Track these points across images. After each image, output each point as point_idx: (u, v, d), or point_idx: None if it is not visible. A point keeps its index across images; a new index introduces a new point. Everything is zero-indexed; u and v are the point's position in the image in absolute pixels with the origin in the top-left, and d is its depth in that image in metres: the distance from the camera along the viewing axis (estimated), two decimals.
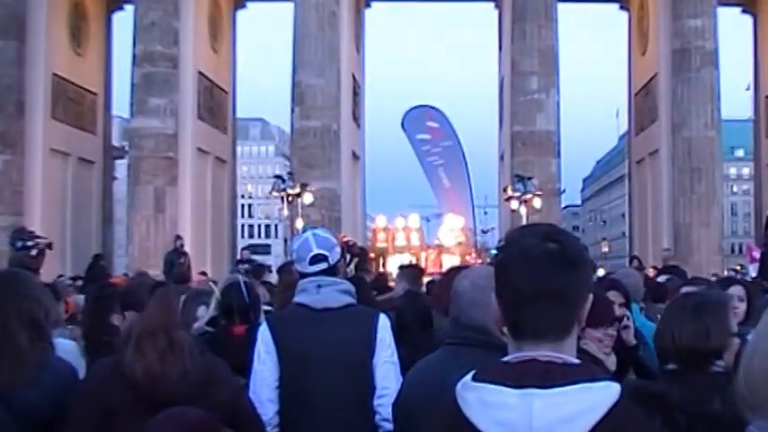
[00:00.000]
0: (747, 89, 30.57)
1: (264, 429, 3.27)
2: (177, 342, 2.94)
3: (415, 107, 35.14)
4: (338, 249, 3.76)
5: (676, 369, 2.64)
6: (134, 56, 21.34)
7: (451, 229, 25.38)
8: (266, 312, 4.37)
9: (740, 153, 76.27)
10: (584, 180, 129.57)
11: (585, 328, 2.86)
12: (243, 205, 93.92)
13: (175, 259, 17.24)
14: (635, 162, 26.97)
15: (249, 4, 27.67)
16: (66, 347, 3.38)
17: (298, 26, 21.56)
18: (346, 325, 3.52)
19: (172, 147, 21.35)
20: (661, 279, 7.20)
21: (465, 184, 34.67)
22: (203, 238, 23.18)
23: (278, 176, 20.71)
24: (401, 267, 7.83)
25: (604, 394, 1.51)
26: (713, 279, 8.09)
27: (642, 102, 25.46)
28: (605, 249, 73.44)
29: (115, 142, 30.56)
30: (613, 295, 4.25)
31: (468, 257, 23.96)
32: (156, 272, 16.12)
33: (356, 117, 25.73)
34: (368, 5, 27.99)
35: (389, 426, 3.10)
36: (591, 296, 1.64)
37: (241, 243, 33.54)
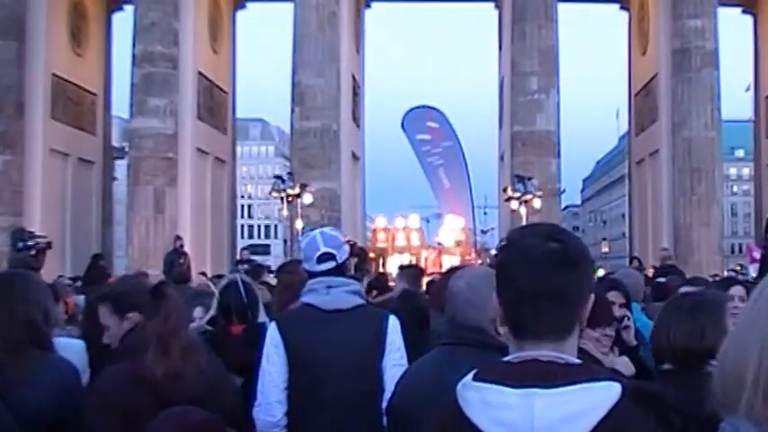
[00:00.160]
0: (747, 90, 30.58)
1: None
2: (193, 342, 2.98)
3: (415, 107, 35.14)
4: (346, 248, 3.74)
5: (672, 369, 2.63)
6: (134, 56, 21.34)
7: (451, 230, 25.41)
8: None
9: (740, 153, 76.31)
10: (585, 180, 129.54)
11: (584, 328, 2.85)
12: (242, 206, 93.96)
13: (175, 260, 17.23)
14: (635, 162, 26.97)
15: (249, 5, 27.68)
16: (75, 347, 3.39)
17: (297, 26, 21.56)
18: (356, 327, 3.49)
19: (171, 147, 21.34)
20: (663, 280, 7.20)
21: (465, 185, 34.66)
22: (203, 239, 23.18)
23: (278, 177, 20.72)
24: (401, 267, 7.82)
25: (605, 394, 1.50)
26: (710, 280, 8.10)
27: (642, 102, 25.46)
28: (605, 250, 73.37)
29: (115, 143, 30.57)
30: (614, 296, 4.24)
31: (467, 258, 23.97)
32: (156, 272, 16.12)
33: (356, 117, 25.73)
34: (368, 6, 28.00)
35: None
36: (593, 296, 1.64)
37: (241, 243, 33.53)
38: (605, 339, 3.52)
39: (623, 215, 51.26)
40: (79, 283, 13.58)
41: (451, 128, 34.45)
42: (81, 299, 5.11)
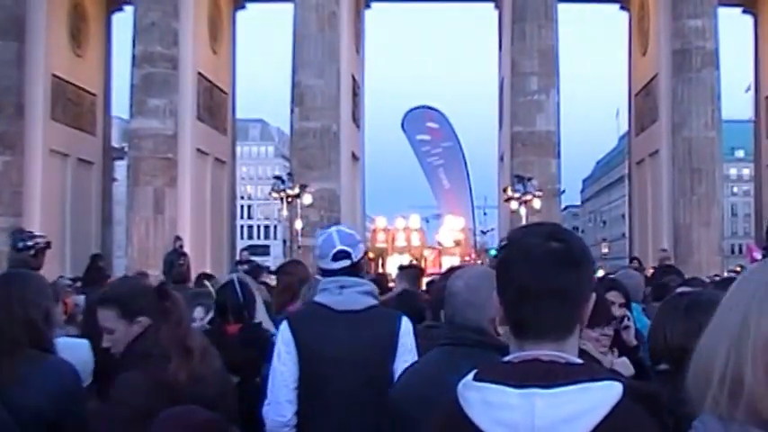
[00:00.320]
0: (748, 90, 30.57)
1: None
2: (207, 344, 3.00)
3: (415, 108, 35.14)
4: (362, 247, 3.70)
5: (668, 369, 2.62)
6: (133, 57, 21.33)
7: (451, 230, 25.41)
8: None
9: (740, 154, 76.29)
10: (584, 181, 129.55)
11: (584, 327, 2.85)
12: (242, 206, 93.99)
13: (175, 260, 17.19)
14: (635, 163, 26.96)
15: (249, 5, 27.67)
16: (82, 347, 3.39)
17: (297, 27, 21.55)
18: (368, 327, 3.46)
19: (171, 148, 21.33)
20: (680, 289, 7.18)
21: (465, 185, 34.66)
22: (203, 239, 23.17)
23: (277, 177, 20.73)
24: (400, 268, 7.81)
25: (606, 394, 1.50)
26: (708, 280, 8.07)
27: (642, 102, 25.44)
28: (605, 250, 73.39)
29: (114, 143, 30.56)
30: (613, 295, 4.23)
31: (467, 258, 23.96)
32: (156, 272, 16.10)
33: (356, 118, 25.72)
34: (367, 6, 27.99)
35: None
36: (594, 296, 1.64)
37: (240, 244, 33.53)
38: (604, 339, 3.52)
39: (623, 215, 51.28)
40: (79, 284, 13.57)
41: (451, 128, 34.46)
42: (81, 299, 5.09)
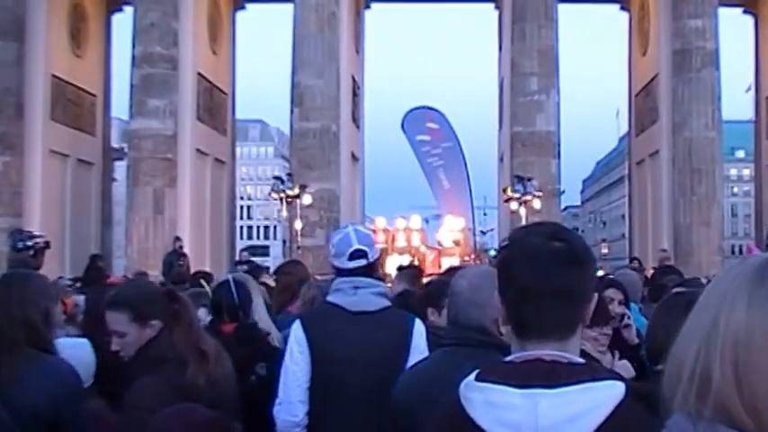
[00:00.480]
0: (748, 90, 30.55)
1: None
2: (219, 346, 3.01)
3: (415, 108, 35.13)
4: (377, 248, 3.69)
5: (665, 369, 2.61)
6: (133, 57, 21.33)
7: (451, 230, 25.38)
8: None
9: (741, 154, 76.29)
10: (584, 181, 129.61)
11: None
12: (242, 206, 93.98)
13: (174, 260, 17.20)
14: (635, 163, 26.94)
15: (248, 6, 27.65)
16: (83, 346, 3.37)
17: (297, 27, 21.54)
18: (381, 329, 3.44)
19: (171, 148, 21.32)
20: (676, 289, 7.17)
21: (464, 186, 34.64)
22: (202, 240, 23.16)
23: (277, 178, 20.71)
24: (399, 268, 7.79)
25: (609, 394, 1.50)
26: (705, 281, 8.06)
27: (642, 102, 25.43)
28: (605, 251, 73.35)
29: (114, 143, 30.54)
30: (612, 293, 4.23)
31: (466, 258, 23.95)
32: (155, 273, 16.10)
33: (356, 118, 25.72)
34: (367, 6, 27.97)
35: None
36: (596, 295, 1.65)
37: (240, 244, 33.53)
38: (603, 338, 3.51)
39: (623, 216, 51.28)
40: (78, 284, 13.57)
41: (451, 128, 34.44)
42: (81, 299, 5.08)
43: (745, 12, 26.89)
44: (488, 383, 1.53)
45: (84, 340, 3.52)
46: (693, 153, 21.23)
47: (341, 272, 3.56)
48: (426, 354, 3.39)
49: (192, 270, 17.33)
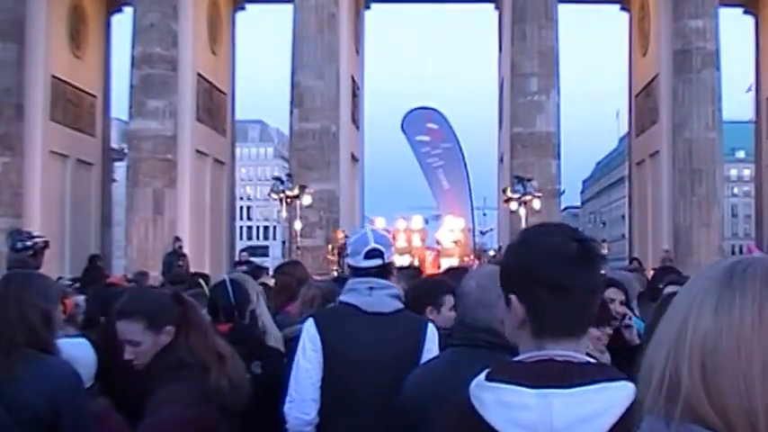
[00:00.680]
0: (748, 91, 30.55)
1: None
2: (230, 347, 3.03)
3: (415, 109, 35.07)
4: (393, 250, 3.70)
5: None
6: (133, 58, 21.33)
7: (450, 231, 25.31)
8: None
9: (741, 154, 76.25)
10: (584, 181, 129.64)
11: None
12: (241, 207, 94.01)
13: (174, 261, 17.21)
14: (635, 163, 26.93)
15: (248, 6, 27.65)
16: (84, 345, 3.35)
17: (297, 28, 21.54)
18: (395, 331, 3.43)
19: (170, 149, 21.32)
20: (670, 289, 7.16)
21: (464, 186, 34.59)
22: (202, 240, 23.15)
23: (277, 178, 20.70)
24: (399, 269, 7.77)
25: (622, 394, 1.50)
26: None
27: (643, 103, 25.42)
28: (605, 251, 73.10)
29: (114, 144, 30.56)
30: (613, 293, 4.23)
31: (465, 258, 23.91)
32: (155, 273, 16.10)
33: (355, 119, 25.71)
34: (367, 7, 27.97)
35: None
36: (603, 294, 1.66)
37: (239, 245, 33.51)
38: (605, 338, 3.51)
39: (623, 216, 51.27)
40: (78, 284, 13.56)
41: (451, 129, 34.40)
42: (81, 299, 5.08)
43: (745, 12, 26.87)
44: (500, 383, 1.52)
45: (85, 340, 3.51)
46: (694, 153, 21.23)
47: (356, 271, 3.57)
48: None
49: (192, 271, 17.38)
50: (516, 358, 1.60)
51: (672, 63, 21.95)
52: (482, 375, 1.57)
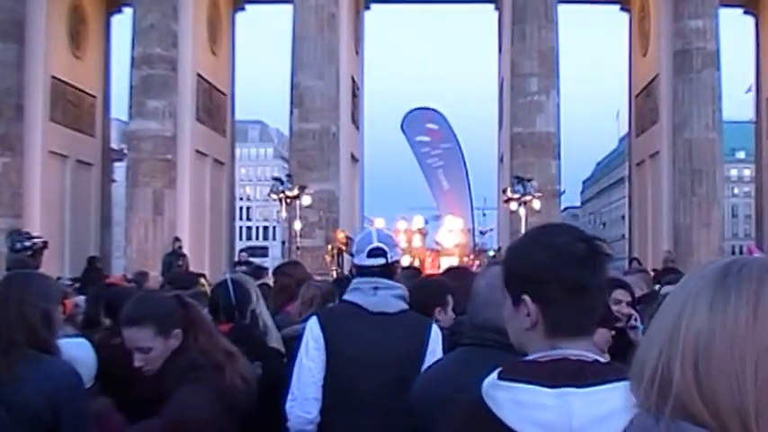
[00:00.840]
0: (748, 91, 30.53)
1: None
2: (232, 345, 3.06)
3: (415, 109, 35.12)
4: (398, 250, 3.70)
5: None
6: (132, 58, 21.32)
7: (450, 231, 25.37)
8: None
9: (741, 155, 76.18)
10: (584, 182, 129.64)
11: None
12: (241, 207, 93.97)
13: (174, 261, 17.21)
14: (635, 164, 26.92)
15: (248, 7, 27.64)
16: (84, 345, 3.35)
17: (297, 28, 21.53)
18: (399, 331, 3.42)
19: (170, 149, 21.31)
20: (666, 289, 7.15)
21: (464, 186, 34.63)
22: (202, 241, 23.14)
23: (276, 178, 20.69)
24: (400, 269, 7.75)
25: None
26: None
27: (643, 103, 25.41)
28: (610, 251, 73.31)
29: (114, 145, 30.56)
30: (621, 294, 4.24)
31: (464, 258, 23.94)
32: (155, 273, 16.08)
33: (355, 119, 25.69)
34: (367, 7, 27.95)
35: None
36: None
37: (239, 245, 33.49)
38: (609, 338, 3.50)
39: (623, 217, 51.31)
40: (78, 285, 13.56)
41: (451, 129, 34.44)
42: (81, 299, 5.08)
43: (745, 12, 26.86)
44: (516, 383, 1.52)
45: (85, 340, 3.50)
46: (694, 154, 21.22)
47: (360, 269, 3.57)
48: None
49: (192, 271, 17.38)
50: (529, 358, 1.60)
51: (672, 63, 21.95)
52: (494, 375, 1.56)
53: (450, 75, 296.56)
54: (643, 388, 0.95)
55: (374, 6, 28.49)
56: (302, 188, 19.44)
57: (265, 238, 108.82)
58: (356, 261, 3.61)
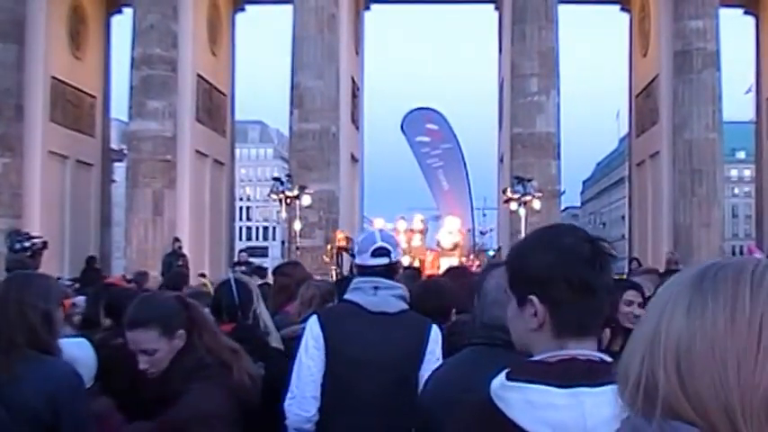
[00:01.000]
0: (748, 92, 30.52)
1: None
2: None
3: (415, 109, 35.07)
4: (401, 250, 3.73)
5: None
6: (132, 59, 21.32)
7: (450, 231, 25.33)
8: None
9: (741, 155, 76.18)
10: (584, 182, 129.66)
11: None
12: (241, 208, 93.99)
13: (173, 261, 17.20)
14: (635, 164, 26.92)
15: (248, 7, 27.64)
16: (84, 345, 3.36)
17: (296, 29, 21.53)
18: (399, 331, 3.43)
19: (170, 149, 21.31)
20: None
21: (464, 186, 34.60)
22: (201, 241, 23.15)
23: (276, 179, 20.67)
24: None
25: None
26: None
27: (643, 103, 25.41)
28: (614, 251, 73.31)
29: (114, 145, 30.56)
30: (632, 295, 4.25)
31: (463, 259, 23.91)
32: (155, 273, 16.08)
33: (355, 119, 25.69)
34: (367, 8, 27.95)
35: None
36: None
37: (239, 245, 33.49)
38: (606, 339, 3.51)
39: (623, 217, 51.28)
40: (77, 285, 13.56)
41: (451, 130, 34.40)
42: (81, 299, 5.07)
43: (745, 13, 26.86)
44: (526, 383, 1.51)
45: (85, 340, 3.50)
46: (694, 154, 21.22)
47: (362, 269, 3.57)
48: (441, 360, 3.38)
49: (192, 271, 17.39)
50: (537, 358, 1.59)
51: (672, 63, 21.94)
52: (501, 376, 1.56)
53: (450, 75, 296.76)
54: (629, 392, 0.96)
55: (374, 6, 28.49)
56: (302, 188, 19.44)
57: (265, 239, 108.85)
58: (359, 261, 3.60)
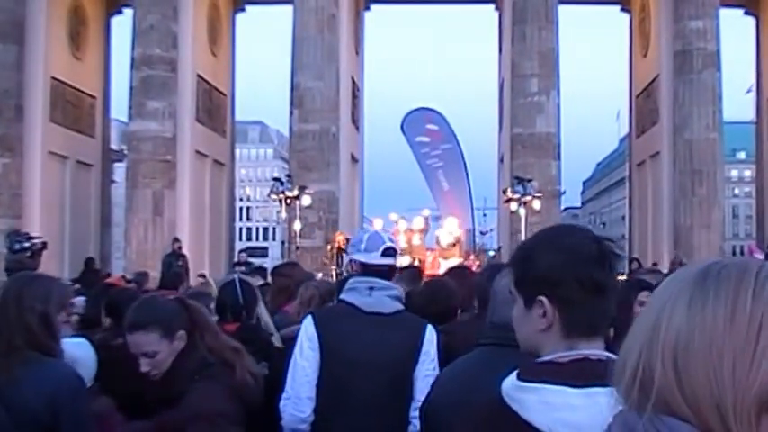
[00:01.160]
0: (748, 92, 30.52)
1: None
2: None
3: (415, 110, 35.07)
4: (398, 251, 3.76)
5: None
6: (132, 59, 21.33)
7: (450, 232, 25.33)
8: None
9: (742, 155, 76.22)
10: (585, 182, 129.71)
11: None
12: (241, 208, 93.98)
13: (173, 262, 17.19)
14: (635, 164, 26.93)
15: (248, 8, 27.66)
16: (84, 344, 3.35)
17: (297, 29, 21.53)
18: (394, 332, 3.42)
19: (170, 150, 21.31)
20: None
21: (464, 187, 34.59)
22: (201, 241, 23.14)
23: (276, 179, 20.67)
24: (399, 269, 7.72)
25: None
26: None
27: (643, 104, 25.41)
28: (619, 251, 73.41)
29: (114, 145, 30.56)
30: (646, 296, 4.24)
31: (464, 259, 23.90)
32: (154, 274, 16.05)
33: (355, 120, 25.70)
34: (367, 8, 27.96)
35: None
36: None
37: (239, 246, 33.49)
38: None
39: (623, 217, 51.27)
40: (77, 286, 13.56)
41: (451, 130, 34.39)
42: (80, 300, 5.07)
43: (746, 13, 26.87)
44: (540, 384, 1.51)
45: (85, 340, 3.49)
46: (694, 154, 21.21)
47: (368, 268, 3.54)
48: (436, 361, 3.40)
49: (192, 272, 17.39)
50: (547, 358, 1.58)
51: (672, 64, 21.94)
52: (512, 376, 1.55)
53: (450, 75, 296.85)
54: (624, 385, 0.96)
55: (374, 6, 28.50)
56: (302, 189, 19.44)
57: (265, 239, 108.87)
58: (366, 259, 3.56)
